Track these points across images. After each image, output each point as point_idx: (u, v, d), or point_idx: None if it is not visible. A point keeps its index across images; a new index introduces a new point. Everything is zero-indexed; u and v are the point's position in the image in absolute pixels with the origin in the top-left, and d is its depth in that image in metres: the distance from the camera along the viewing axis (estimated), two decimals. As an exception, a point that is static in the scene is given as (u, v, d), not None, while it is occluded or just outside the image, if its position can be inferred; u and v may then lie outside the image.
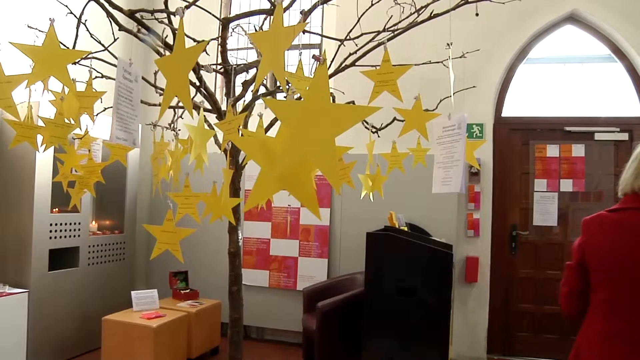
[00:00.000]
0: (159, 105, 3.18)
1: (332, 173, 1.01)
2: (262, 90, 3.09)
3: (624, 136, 4.58)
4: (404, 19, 2.81)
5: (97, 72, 2.54)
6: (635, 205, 1.72)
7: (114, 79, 2.82)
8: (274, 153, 1.12)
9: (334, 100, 2.90)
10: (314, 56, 1.12)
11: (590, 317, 1.77)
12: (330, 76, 2.20)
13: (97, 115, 2.32)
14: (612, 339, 1.65)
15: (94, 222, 4.85)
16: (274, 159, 1.09)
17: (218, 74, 4.58)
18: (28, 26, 2.68)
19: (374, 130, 3.14)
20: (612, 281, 1.68)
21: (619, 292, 1.65)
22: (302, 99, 1.44)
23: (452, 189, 2.03)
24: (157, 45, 2.44)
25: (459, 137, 2.02)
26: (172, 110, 3.26)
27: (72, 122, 2.19)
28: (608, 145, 4.63)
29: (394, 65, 1.99)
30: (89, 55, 2.36)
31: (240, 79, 2.89)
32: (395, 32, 2.70)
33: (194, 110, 2.69)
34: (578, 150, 4.69)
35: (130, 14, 2.07)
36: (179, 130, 3.19)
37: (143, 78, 2.90)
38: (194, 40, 2.69)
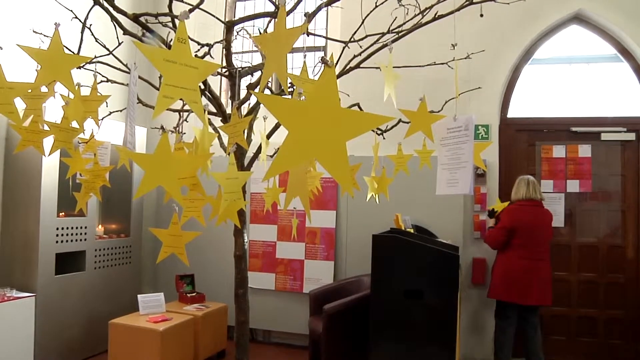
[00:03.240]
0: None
1: (344, 178, 0.99)
2: (266, 92, 3.09)
3: (631, 136, 4.55)
4: (408, 21, 2.81)
5: (102, 76, 2.54)
6: (527, 204, 4.00)
7: (118, 83, 2.84)
8: (305, 116, 1.02)
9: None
10: (322, 58, 1.11)
11: (511, 251, 3.97)
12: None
13: (102, 119, 2.32)
14: (524, 258, 3.91)
15: (100, 226, 4.87)
16: (303, 122, 1.01)
17: (223, 77, 4.59)
18: (33, 31, 2.70)
19: (379, 132, 3.13)
20: (526, 235, 3.92)
21: (526, 239, 3.92)
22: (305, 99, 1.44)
23: (459, 191, 2.02)
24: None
25: (466, 138, 2.00)
26: (176, 113, 3.26)
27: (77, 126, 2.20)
28: (615, 145, 4.61)
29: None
30: (94, 60, 2.36)
31: (245, 82, 2.89)
32: (400, 34, 2.69)
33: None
34: (584, 150, 4.66)
35: (135, 18, 2.08)
36: (184, 133, 3.20)
37: (148, 82, 2.92)
38: (198, 43, 2.70)
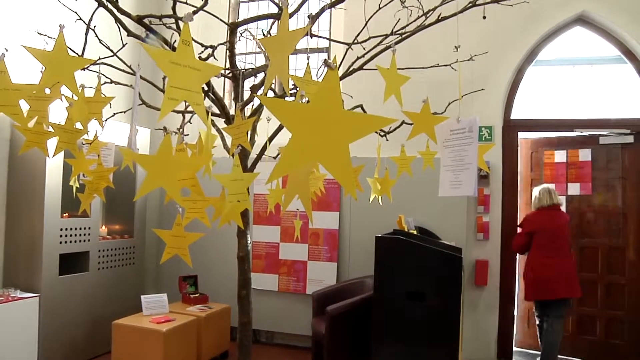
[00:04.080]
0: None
1: (347, 181, 0.99)
2: (270, 94, 3.09)
3: (630, 139, 4.53)
4: (411, 22, 2.81)
5: (106, 77, 2.55)
6: (545, 208, 4.24)
7: (122, 85, 2.85)
8: (308, 119, 1.02)
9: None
10: (324, 61, 1.12)
11: (534, 251, 4.19)
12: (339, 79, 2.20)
13: (106, 120, 2.33)
14: (547, 257, 4.10)
15: (103, 227, 4.88)
16: (306, 125, 1.02)
17: (226, 79, 4.60)
18: (38, 33, 2.70)
19: (382, 133, 3.13)
20: (547, 236, 4.14)
21: (548, 240, 4.13)
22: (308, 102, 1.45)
23: (463, 192, 2.01)
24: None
25: (470, 140, 1.99)
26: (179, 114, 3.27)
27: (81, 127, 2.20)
28: (615, 148, 4.60)
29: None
30: (98, 61, 2.37)
31: (248, 83, 2.90)
32: (403, 36, 2.69)
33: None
34: (585, 154, 4.66)
35: (139, 20, 2.08)
36: (187, 134, 3.20)
37: (152, 83, 2.92)
38: (202, 45, 2.70)
